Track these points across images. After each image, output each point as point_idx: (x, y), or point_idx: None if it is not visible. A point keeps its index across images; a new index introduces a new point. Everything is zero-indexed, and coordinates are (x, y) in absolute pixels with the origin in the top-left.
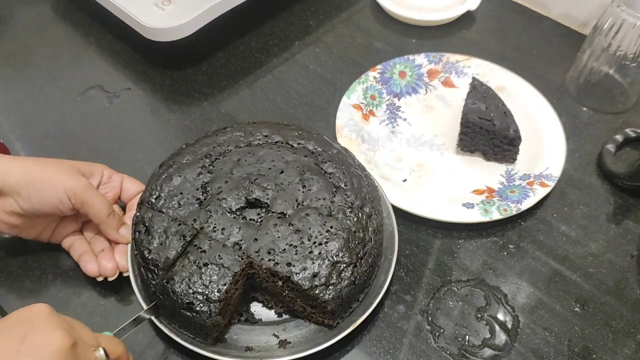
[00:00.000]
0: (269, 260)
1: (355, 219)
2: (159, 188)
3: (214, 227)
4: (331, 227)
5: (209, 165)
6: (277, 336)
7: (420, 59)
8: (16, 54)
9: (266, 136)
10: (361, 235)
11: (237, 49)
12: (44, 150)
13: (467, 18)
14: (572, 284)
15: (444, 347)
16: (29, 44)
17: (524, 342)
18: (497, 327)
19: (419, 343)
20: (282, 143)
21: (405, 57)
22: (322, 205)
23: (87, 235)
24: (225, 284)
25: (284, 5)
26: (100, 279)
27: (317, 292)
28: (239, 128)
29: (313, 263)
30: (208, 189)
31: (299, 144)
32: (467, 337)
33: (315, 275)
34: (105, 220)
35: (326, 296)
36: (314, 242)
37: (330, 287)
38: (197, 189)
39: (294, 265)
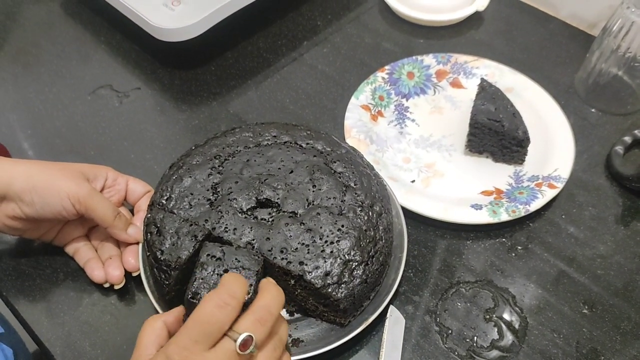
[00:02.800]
0: (282, 259)
1: (365, 218)
2: (169, 189)
3: (226, 228)
4: (342, 226)
5: (219, 166)
6: (289, 335)
7: (429, 59)
8: (25, 52)
9: (275, 136)
10: (372, 233)
11: (245, 49)
12: (54, 149)
13: (475, 19)
14: (580, 285)
15: (452, 348)
16: (38, 42)
17: (532, 344)
18: (505, 329)
19: (427, 344)
20: (290, 143)
21: (414, 57)
22: (332, 204)
23: (94, 241)
24: (251, 284)
25: (291, 5)
26: (106, 285)
27: (329, 290)
28: (247, 129)
29: (325, 262)
30: (218, 190)
31: (307, 143)
32: (475, 338)
33: (327, 273)
34: (112, 224)
35: (338, 294)
36: (326, 241)
37: (342, 285)
38: (208, 190)
39: (306, 264)
